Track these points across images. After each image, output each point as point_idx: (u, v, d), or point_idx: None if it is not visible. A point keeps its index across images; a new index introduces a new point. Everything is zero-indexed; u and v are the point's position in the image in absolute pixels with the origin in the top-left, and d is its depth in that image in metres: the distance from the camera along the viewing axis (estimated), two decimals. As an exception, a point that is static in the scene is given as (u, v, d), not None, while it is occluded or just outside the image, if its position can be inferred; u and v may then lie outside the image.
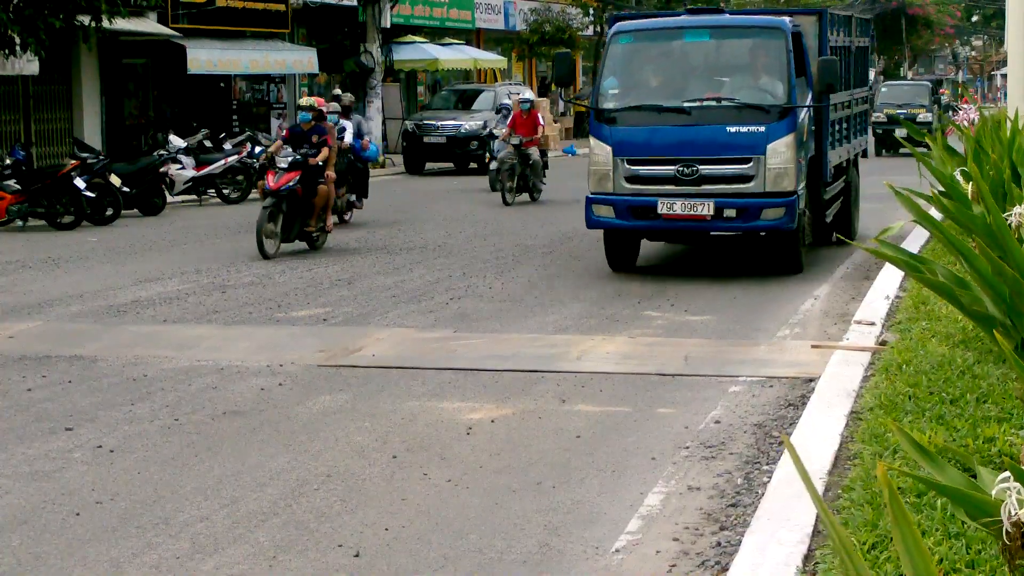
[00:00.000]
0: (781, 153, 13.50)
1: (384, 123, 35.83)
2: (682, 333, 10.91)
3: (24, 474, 7.13)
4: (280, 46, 31.75)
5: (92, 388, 9.19)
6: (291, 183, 16.10)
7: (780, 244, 14.06)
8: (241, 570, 5.65)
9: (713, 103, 13.92)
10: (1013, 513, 3.48)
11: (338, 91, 32.95)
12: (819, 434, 6.79)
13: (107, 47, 27.10)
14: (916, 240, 14.95)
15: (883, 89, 42.41)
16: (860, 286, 12.77)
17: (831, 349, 9.31)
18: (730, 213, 13.54)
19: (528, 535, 6.01)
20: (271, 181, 16.10)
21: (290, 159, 16.28)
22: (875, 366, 8.28)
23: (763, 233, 13.84)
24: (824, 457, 6.34)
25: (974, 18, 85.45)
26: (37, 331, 11.45)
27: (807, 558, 5.04)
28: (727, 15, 14.74)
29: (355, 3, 34.36)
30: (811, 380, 8.58)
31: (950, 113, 41.86)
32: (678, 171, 13.64)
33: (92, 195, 20.01)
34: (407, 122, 34.07)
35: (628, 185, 13.86)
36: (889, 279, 12.08)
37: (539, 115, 23.98)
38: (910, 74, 73.32)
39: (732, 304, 12.33)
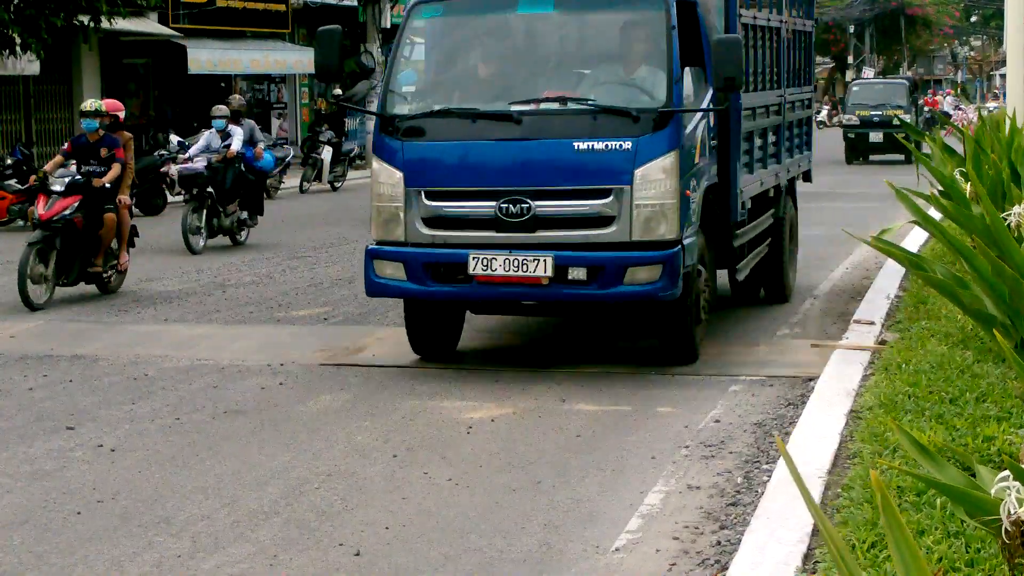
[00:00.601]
0: (656, 181, 8.98)
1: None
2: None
3: (25, 473, 7.15)
4: (280, 46, 31.79)
5: (93, 387, 9.21)
6: (67, 211, 12.82)
7: (660, 319, 9.47)
8: (242, 569, 5.66)
9: (555, 106, 9.36)
10: (1012, 512, 3.50)
11: (338, 91, 32.99)
12: (819, 433, 6.81)
13: (108, 47, 27.14)
14: (913, 242, 14.96)
15: (855, 89, 38.09)
16: (860, 286, 12.78)
17: (831, 348, 9.32)
18: (578, 274, 9.01)
19: (528, 534, 6.03)
20: (41, 208, 12.81)
21: (68, 180, 12.99)
22: (875, 365, 8.29)
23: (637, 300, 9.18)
24: (824, 456, 6.35)
25: (973, 18, 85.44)
26: (38, 330, 11.47)
27: (807, 557, 5.05)
28: None
29: (355, 3, 34.39)
30: (811, 379, 8.59)
31: (929, 116, 41.07)
32: (500, 209, 9.07)
33: (92, 195, 20.02)
34: (407, 122, 34.04)
35: (427, 231, 9.27)
36: (889, 279, 12.10)
37: None
38: (909, 74, 73.30)
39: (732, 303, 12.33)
